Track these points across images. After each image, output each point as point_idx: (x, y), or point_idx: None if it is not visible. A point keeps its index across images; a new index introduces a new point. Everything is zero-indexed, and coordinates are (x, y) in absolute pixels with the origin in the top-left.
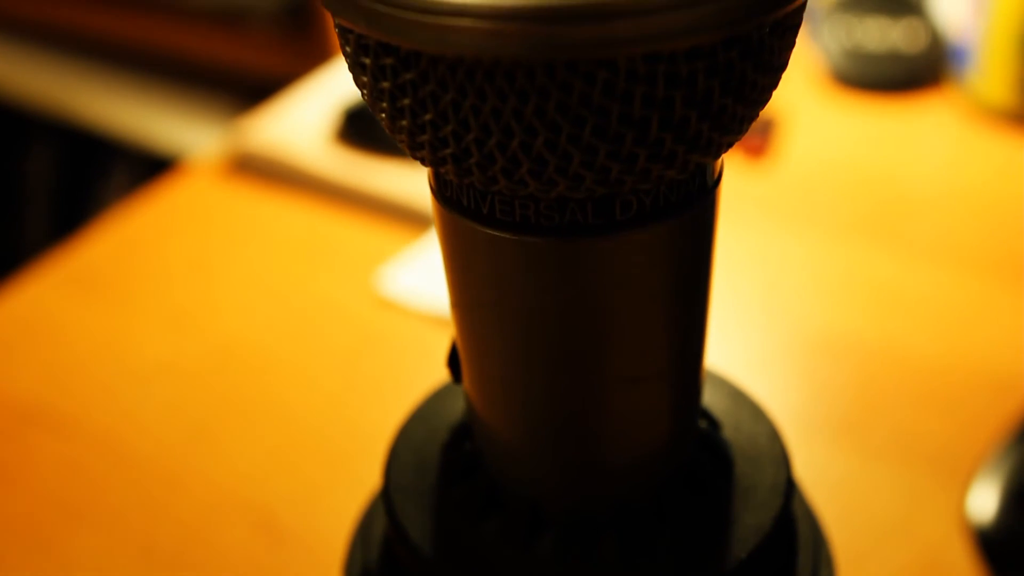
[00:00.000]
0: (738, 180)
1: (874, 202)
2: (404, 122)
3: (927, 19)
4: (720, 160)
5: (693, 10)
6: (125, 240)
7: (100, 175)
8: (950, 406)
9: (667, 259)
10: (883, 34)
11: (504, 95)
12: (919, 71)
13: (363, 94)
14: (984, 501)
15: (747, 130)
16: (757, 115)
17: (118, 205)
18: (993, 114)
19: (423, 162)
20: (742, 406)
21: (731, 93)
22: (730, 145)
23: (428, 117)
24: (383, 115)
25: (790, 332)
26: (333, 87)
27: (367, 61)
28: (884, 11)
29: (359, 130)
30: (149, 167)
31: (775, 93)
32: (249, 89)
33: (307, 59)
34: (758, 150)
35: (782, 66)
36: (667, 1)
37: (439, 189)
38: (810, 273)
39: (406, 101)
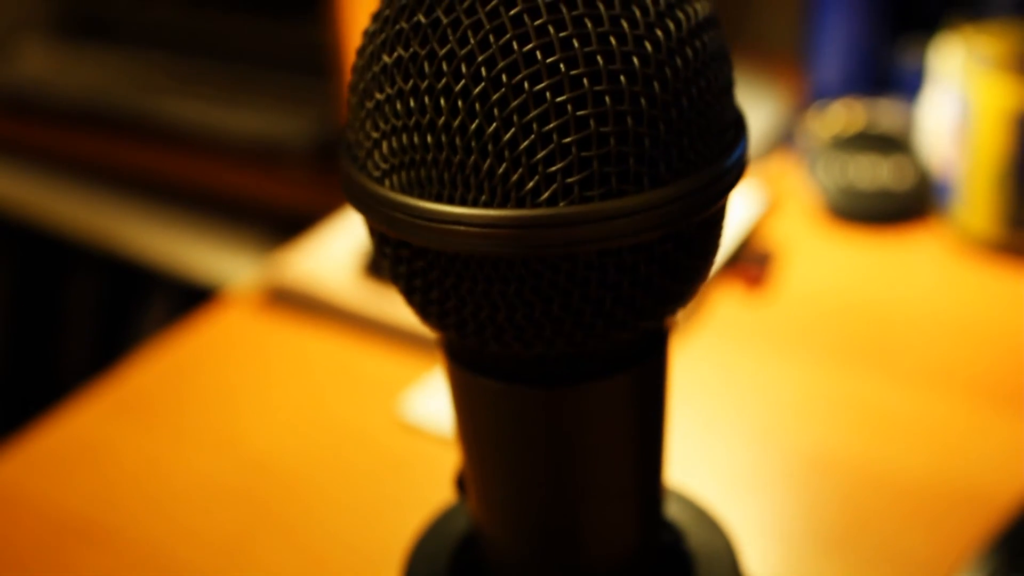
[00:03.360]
0: (738, 309)
1: (866, 329)
2: (416, 297)
3: (914, 156)
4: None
5: (633, 219)
6: (168, 367)
7: (139, 304)
8: (935, 521)
9: (628, 399)
10: (874, 171)
11: (491, 281)
12: (908, 206)
13: (385, 270)
14: None
15: (690, 298)
16: (697, 288)
17: (158, 333)
18: (976, 245)
19: (431, 327)
20: (703, 521)
21: (668, 276)
22: (674, 312)
23: (434, 295)
24: (400, 290)
25: (784, 450)
26: (360, 223)
27: (388, 251)
28: (874, 149)
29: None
30: (187, 297)
31: (774, 226)
32: (283, 222)
33: (337, 195)
34: (757, 280)
35: (712, 251)
36: (612, 212)
37: (445, 345)
38: (804, 395)
39: (418, 282)
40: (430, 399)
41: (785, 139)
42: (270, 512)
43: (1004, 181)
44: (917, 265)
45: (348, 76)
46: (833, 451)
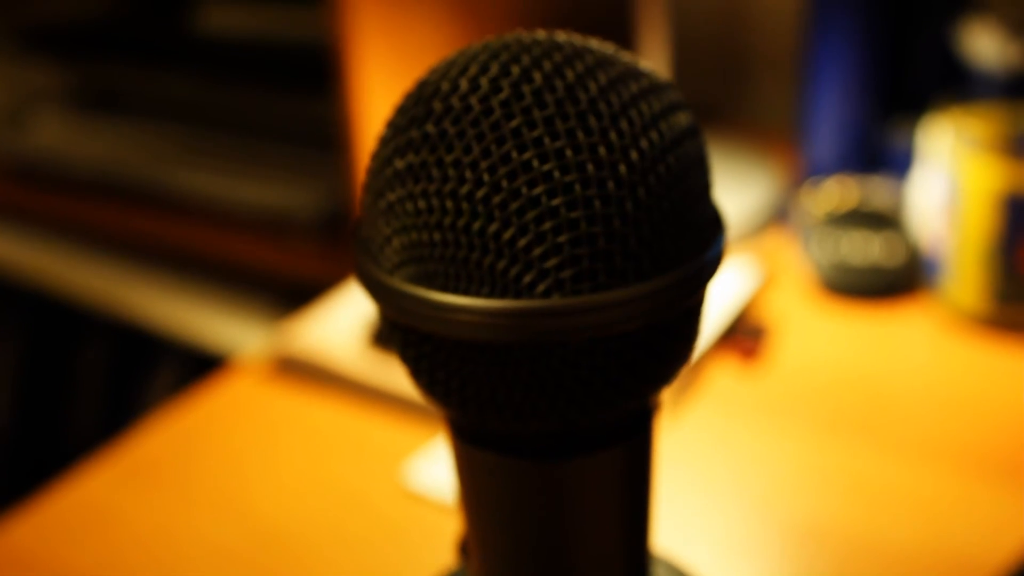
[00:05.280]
0: (733, 381)
1: (858, 401)
2: (423, 377)
3: (905, 233)
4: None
5: (620, 310)
6: (176, 434)
7: (148, 370)
8: None
9: (617, 471)
10: (866, 247)
11: (491, 364)
12: (898, 281)
13: (396, 352)
14: None
15: (673, 379)
16: (680, 369)
17: (167, 400)
18: (965, 319)
19: (436, 405)
20: None
21: (653, 359)
22: (659, 392)
23: (439, 376)
24: (408, 371)
25: (778, 520)
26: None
27: (398, 336)
28: (866, 226)
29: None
30: (195, 364)
31: (768, 300)
32: (291, 292)
33: (343, 265)
34: (751, 353)
35: (693, 337)
36: (601, 304)
37: (448, 420)
38: (798, 466)
39: (424, 364)
40: (433, 467)
41: (780, 215)
42: None
43: (991, 258)
44: (908, 339)
45: (357, 153)
46: (826, 521)
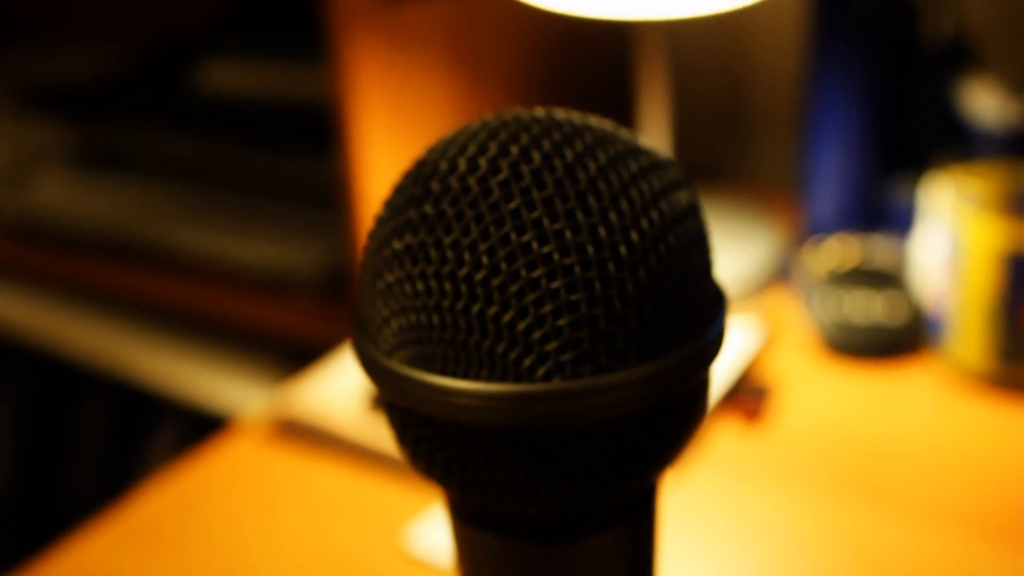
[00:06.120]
0: (736, 442)
1: (862, 462)
2: (422, 460)
3: (907, 291)
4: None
5: (621, 393)
6: (177, 497)
7: (148, 430)
8: None
9: (619, 553)
10: (868, 306)
11: (491, 447)
12: (902, 340)
13: (392, 433)
14: None
15: (676, 460)
16: (682, 450)
17: (167, 460)
18: (969, 378)
19: (436, 486)
20: None
21: (655, 441)
22: (660, 473)
23: (438, 458)
24: (407, 453)
25: None
26: None
27: (396, 417)
28: (868, 284)
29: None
30: (196, 424)
31: (771, 359)
32: (292, 351)
33: (344, 324)
34: (754, 414)
35: (695, 417)
36: (602, 387)
37: (448, 501)
38: (801, 528)
39: (423, 447)
40: (435, 531)
41: (782, 274)
42: None
43: (995, 317)
44: (912, 399)
45: (358, 212)
46: None
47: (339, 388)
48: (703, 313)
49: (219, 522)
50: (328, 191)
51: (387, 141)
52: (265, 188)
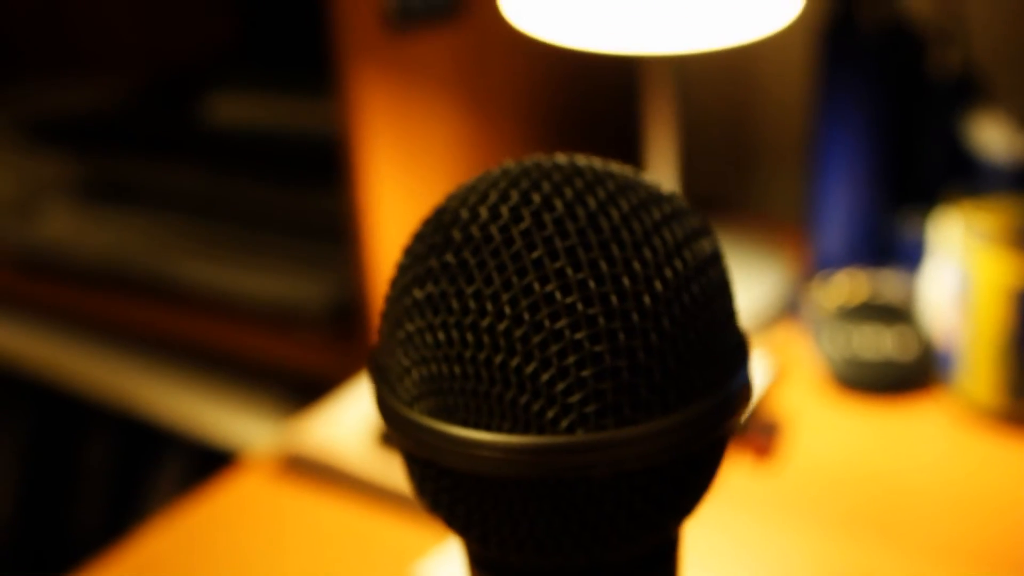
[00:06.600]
0: (747, 479)
1: (873, 499)
2: (443, 511)
3: (917, 326)
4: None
5: (645, 445)
6: (183, 533)
7: (154, 464)
8: None
9: None
10: (878, 341)
11: (513, 499)
12: (912, 376)
13: (412, 484)
14: None
15: (697, 509)
16: (703, 499)
17: (172, 494)
18: (980, 414)
19: (457, 537)
20: None
21: (678, 492)
22: (682, 523)
23: (459, 510)
24: (426, 504)
25: None
26: None
27: (415, 468)
28: (878, 319)
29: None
30: (202, 458)
31: (780, 395)
32: (298, 385)
33: (352, 359)
34: (764, 450)
35: (717, 466)
36: (626, 439)
37: (467, 550)
38: (812, 565)
39: (444, 498)
40: (444, 570)
41: (790, 308)
42: None
43: (1005, 353)
44: (922, 435)
45: (365, 245)
46: None
47: (347, 424)
48: (727, 361)
49: (226, 559)
50: (335, 224)
51: (394, 174)
52: (271, 221)
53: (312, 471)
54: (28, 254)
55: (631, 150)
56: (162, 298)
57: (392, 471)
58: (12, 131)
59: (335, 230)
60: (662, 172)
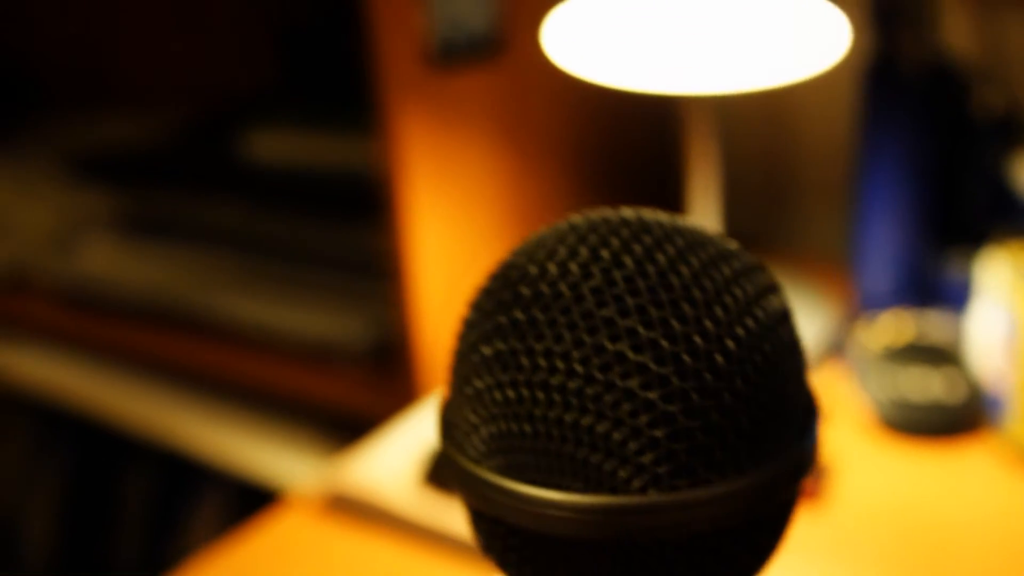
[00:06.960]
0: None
1: (920, 544)
2: (511, 570)
3: (965, 369)
4: None
5: (718, 506)
6: (226, 572)
7: (192, 500)
8: None
9: None
10: (925, 383)
11: (582, 560)
12: (960, 419)
13: (478, 540)
14: None
15: (767, 567)
16: (773, 555)
17: (210, 531)
18: None
19: None
20: None
21: (748, 552)
22: None
23: (527, 570)
24: (494, 561)
25: None
26: (420, 429)
27: (483, 526)
28: (925, 361)
29: (445, 472)
30: (240, 494)
31: (826, 438)
32: (338, 422)
33: (393, 397)
34: (811, 493)
35: (786, 526)
36: (699, 500)
37: None
38: None
39: (512, 557)
40: None
41: (835, 349)
42: None
43: None
44: (971, 479)
45: (406, 282)
46: None
47: (392, 463)
48: (797, 420)
49: None
50: (375, 260)
51: (435, 211)
52: (312, 257)
53: (356, 511)
54: (69, 289)
55: (671, 190)
56: (203, 333)
57: (437, 512)
58: (54, 166)
59: (374, 266)
60: (704, 211)
